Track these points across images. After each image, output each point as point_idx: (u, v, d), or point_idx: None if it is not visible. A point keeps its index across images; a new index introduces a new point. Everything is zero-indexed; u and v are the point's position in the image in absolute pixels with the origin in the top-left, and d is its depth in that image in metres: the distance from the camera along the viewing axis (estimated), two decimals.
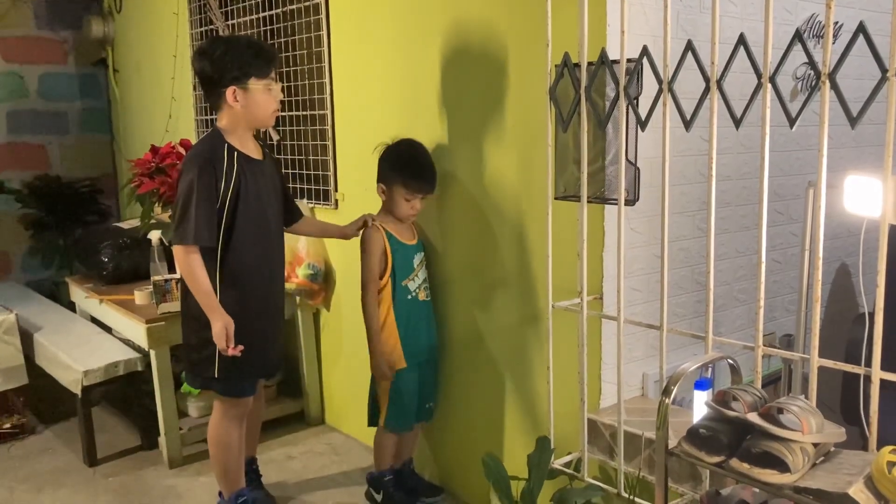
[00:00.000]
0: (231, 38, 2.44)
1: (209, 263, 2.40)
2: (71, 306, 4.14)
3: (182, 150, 3.48)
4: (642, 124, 1.90)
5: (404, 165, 2.62)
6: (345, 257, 3.30)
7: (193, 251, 2.35)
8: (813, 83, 1.58)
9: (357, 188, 3.11)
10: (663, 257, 1.90)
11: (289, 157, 3.56)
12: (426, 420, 2.86)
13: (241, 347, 2.39)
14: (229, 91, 2.34)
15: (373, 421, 2.78)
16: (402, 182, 2.60)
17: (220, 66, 2.33)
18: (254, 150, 2.50)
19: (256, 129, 2.55)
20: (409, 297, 2.68)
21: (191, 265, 2.35)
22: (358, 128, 3.14)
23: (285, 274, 3.06)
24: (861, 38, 1.48)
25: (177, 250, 2.36)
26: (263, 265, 2.52)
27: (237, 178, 2.39)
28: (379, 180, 2.66)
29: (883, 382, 1.59)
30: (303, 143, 3.48)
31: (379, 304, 2.65)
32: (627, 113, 1.92)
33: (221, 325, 2.36)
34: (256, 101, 2.38)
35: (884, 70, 1.47)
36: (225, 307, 2.42)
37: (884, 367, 1.59)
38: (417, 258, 2.71)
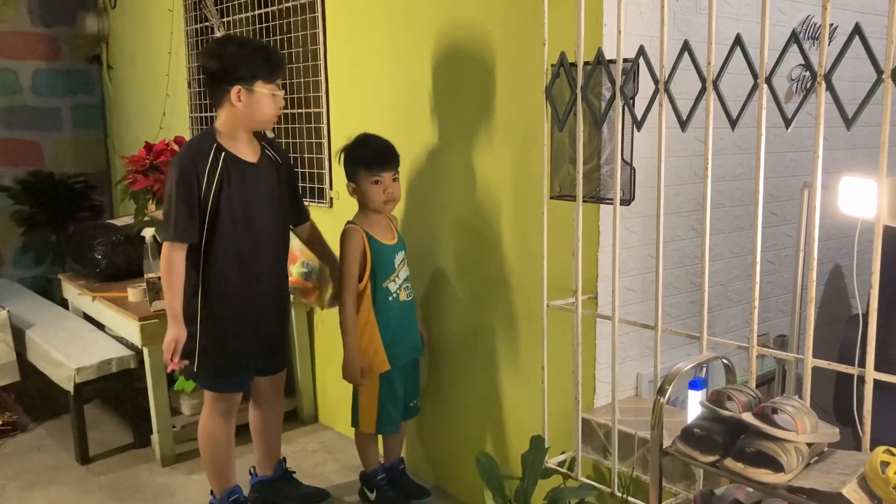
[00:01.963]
0: (243, 39, 2.48)
1: (192, 259, 2.43)
2: (63, 303, 4.13)
3: (176, 147, 3.48)
4: (638, 124, 1.90)
5: (358, 150, 2.60)
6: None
7: (178, 249, 2.38)
8: (808, 85, 1.58)
9: None
10: (658, 257, 1.91)
11: None
12: (412, 417, 2.86)
13: (185, 362, 2.46)
14: (234, 90, 2.35)
15: (356, 421, 2.76)
16: (363, 165, 2.57)
17: (230, 65, 2.35)
18: (248, 153, 2.48)
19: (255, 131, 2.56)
20: (391, 298, 2.63)
21: (171, 264, 2.39)
22: (353, 125, 3.13)
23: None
24: (856, 40, 1.49)
25: (163, 247, 2.41)
26: (246, 266, 2.49)
27: (220, 178, 2.39)
28: (348, 181, 2.62)
29: (876, 383, 1.59)
30: (298, 140, 3.47)
31: (358, 307, 2.61)
32: (623, 113, 1.92)
33: (173, 338, 2.41)
34: (259, 104, 2.39)
35: (879, 72, 1.47)
36: (204, 305, 2.46)
37: (877, 368, 1.59)
38: (398, 257, 2.66)
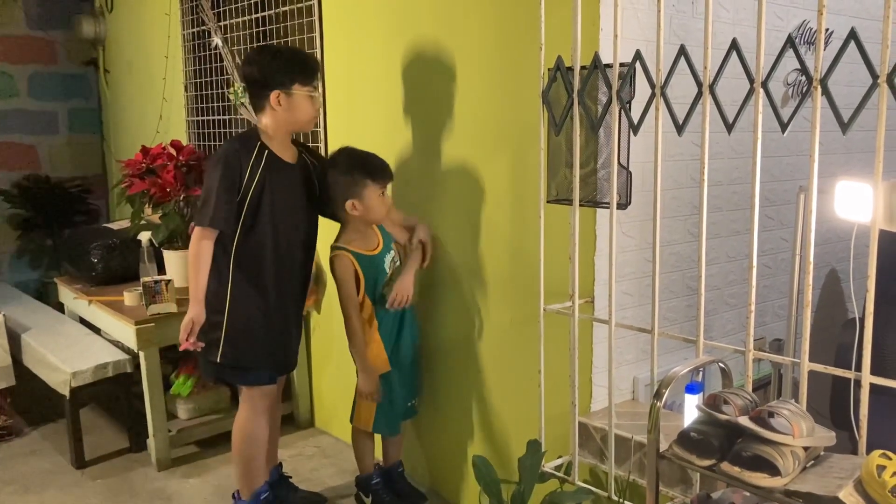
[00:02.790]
0: (279, 47, 2.62)
1: (224, 250, 2.47)
2: (59, 307, 4.12)
3: (173, 151, 3.47)
4: (634, 128, 1.90)
5: (363, 165, 2.58)
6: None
7: (208, 236, 2.43)
8: (804, 89, 1.59)
9: None
10: (655, 261, 1.91)
11: None
12: (411, 417, 2.86)
13: (200, 344, 2.47)
14: (273, 94, 2.44)
15: (354, 416, 2.76)
16: (371, 179, 2.54)
17: (269, 71, 2.45)
18: (288, 155, 2.55)
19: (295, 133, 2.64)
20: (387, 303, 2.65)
21: (199, 249, 2.43)
22: (350, 130, 3.14)
23: None
24: (851, 45, 1.49)
25: (194, 231, 2.45)
26: (279, 262, 2.55)
27: (262, 175, 2.46)
28: (347, 199, 2.55)
29: (872, 386, 1.60)
30: None
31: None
32: (620, 117, 1.93)
33: (191, 318, 2.43)
34: (298, 106, 2.48)
35: (875, 76, 1.48)
36: (234, 295, 2.49)
37: (873, 372, 1.59)
38: (388, 260, 2.66)
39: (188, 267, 2.49)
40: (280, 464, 2.93)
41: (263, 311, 2.55)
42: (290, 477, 2.96)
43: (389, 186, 2.61)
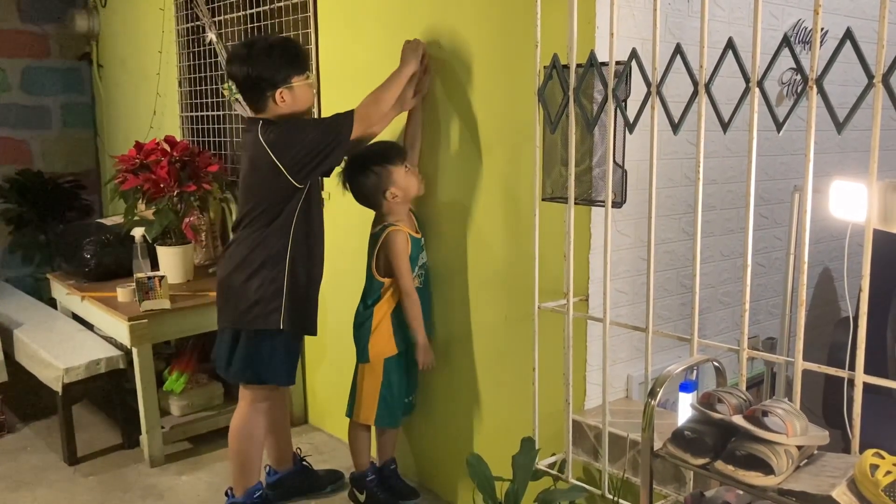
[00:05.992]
0: (269, 40, 2.55)
1: (282, 234, 2.50)
2: (52, 303, 4.10)
3: (167, 147, 3.46)
4: (630, 127, 1.90)
5: (386, 152, 2.63)
6: (330, 255, 3.28)
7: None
8: (799, 88, 1.59)
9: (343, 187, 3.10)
10: (649, 260, 1.91)
11: None
12: (407, 414, 2.86)
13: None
14: (277, 94, 2.44)
15: (352, 412, 2.77)
16: (400, 161, 2.60)
17: (268, 72, 2.43)
18: None
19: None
20: None
21: (378, 101, 2.52)
22: None
23: None
24: (846, 45, 1.49)
25: (357, 116, 2.48)
26: (320, 243, 2.64)
27: None
28: (384, 189, 2.59)
29: (866, 386, 1.60)
30: None
31: (381, 297, 2.67)
32: (615, 115, 1.93)
33: (417, 59, 2.57)
34: (300, 97, 2.50)
35: (870, 76, 1.48)
36: (293, 276, 2.54)
37: (866, 371, 1.60)
38: (421, 244, 2.72)
39: (390, 96, 2.52)
40: (296, 455, 2.98)
41: (311, 287, 2.62)
42: (304, 459, 3.01)
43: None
